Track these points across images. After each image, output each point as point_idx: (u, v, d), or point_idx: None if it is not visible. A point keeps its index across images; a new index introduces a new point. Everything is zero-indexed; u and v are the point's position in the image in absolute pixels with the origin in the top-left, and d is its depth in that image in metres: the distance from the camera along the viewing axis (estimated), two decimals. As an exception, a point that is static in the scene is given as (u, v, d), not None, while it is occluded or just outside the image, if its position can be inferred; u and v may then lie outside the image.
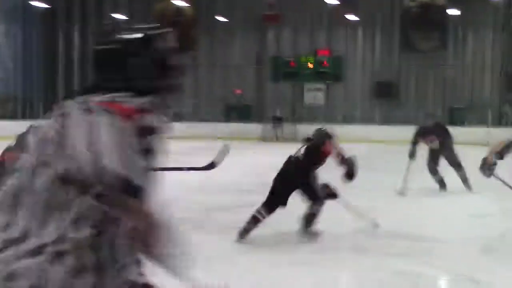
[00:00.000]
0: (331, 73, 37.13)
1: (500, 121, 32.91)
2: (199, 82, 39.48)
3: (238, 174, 14.53)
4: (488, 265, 6.22)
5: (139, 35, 2.20)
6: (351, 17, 35.28)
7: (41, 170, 2.05)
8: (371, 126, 34.44)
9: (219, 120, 36.92)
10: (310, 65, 37.32)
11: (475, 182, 13.22)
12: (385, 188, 12.54)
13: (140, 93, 2.09)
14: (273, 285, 5.39)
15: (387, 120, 35.26)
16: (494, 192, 10.00)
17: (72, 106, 2.07)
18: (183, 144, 23.16)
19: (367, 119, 36.25)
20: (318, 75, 37.20)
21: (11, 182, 2.10)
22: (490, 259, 6.49)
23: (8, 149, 2.52)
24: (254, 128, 34.05)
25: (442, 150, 12.31)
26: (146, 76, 2.16)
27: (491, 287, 5.42)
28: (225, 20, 37.54)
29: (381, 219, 8.76)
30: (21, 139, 2.28)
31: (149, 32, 2.24)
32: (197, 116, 37.82)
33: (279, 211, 7.29)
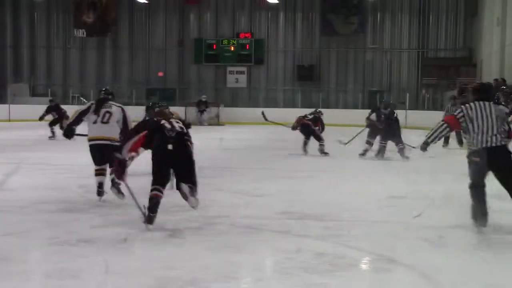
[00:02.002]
0: (253, 56, 37.22)
1: (417, 104, 33.68)
2: (121, 65, 38.93)
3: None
4: (408, 246, 6.36)
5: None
6: (272, 0, 35.36)
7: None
8: (292, 109, 34.71)
9: (141, 104, 36.40)
10: (232, 48, 37.32)
11: (393, 166, 13.61)
12: (302, 170, 12.70)
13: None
14: (193, 269, 5.37)
15: (308, 103, 35.54)
16: (410, 174, 10.28)
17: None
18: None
19: (288, 103, 36.52)
20: (240, 58, 37.27)
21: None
22: (409, 240, 6.64)
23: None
24: (177, 111, 33.76)
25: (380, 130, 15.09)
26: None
27: (410, 268, 5.54)
28: (145, 1, 37.03)
29: (297, 201, 8.89)
30: None
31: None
32: (119, 100, 37.21)
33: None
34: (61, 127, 19.89)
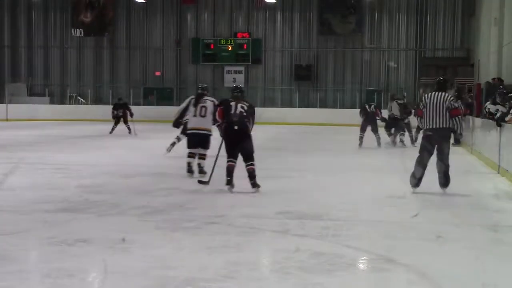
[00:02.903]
0: (250, 55, 37.22)
1: (414, 103, 33.64)
2: (118, 65, 38.90)
3: (160, 157, 14.44)
4: (406, 246, 6.37)
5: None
6: (270, 0, 35.35)
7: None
8: (290, 109, 34.77)
9: (138, 103, 36.49)
10: (230, 48, 37.33)
11: (391, 166, 13.63)
12: (301, 169, 12.70)
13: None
14: (191, 269, 5.37)
15: (306, 103, 35.61)
16: (408, 174, 10.26)
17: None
18: (108, 127, 22.78)
19: (286, 102, 36.53)
20: (238, 57, 37.27)
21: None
22: (407, 240, 6.64)
23: None
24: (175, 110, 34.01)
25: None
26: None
27: (409, 268, 5.54)
28: (143, 1, 37.01)
29: (296, 201, 8.89)
30: None
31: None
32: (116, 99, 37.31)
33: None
34: (125, 122, 22.87)
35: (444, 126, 9.37)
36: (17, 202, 8.49)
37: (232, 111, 9.65)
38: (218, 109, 10.05)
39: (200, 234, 6.73)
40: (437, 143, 9.42)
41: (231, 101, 9.82)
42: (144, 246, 6.14)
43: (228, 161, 9.65)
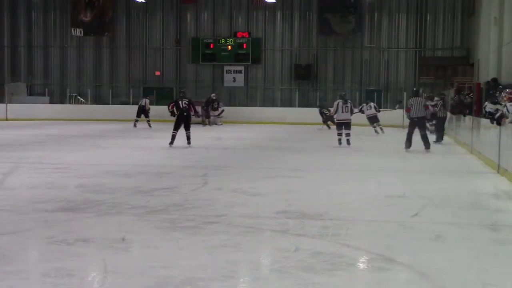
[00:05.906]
0: (250, 55, 37.18)
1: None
2: (118, 65, 38.88)
3: (160, 157, 14.42)
4: (405, 245, 6.37)
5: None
6: (270, -1, 35.30)
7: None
8: (290, 108, 34.75)
9: (138, 103, 36.35)
10: (229, 47, 37.30)
11: (391, 166, 13.63)
12: (301, 169, 12.69)
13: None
14: (191, 268, 5.37)
15: (305, 102, 35.58)
16: (407, 174, 10.31)
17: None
18: (108, 127, 22.76)
19: (286, 102, 36.50)
20: (237, 57, 37.24)
21: None
22: (407, 239, 6.64)
23: None
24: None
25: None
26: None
27: (408, 267, 5.54)
28: (142, 0, 36.98)
29: (295, 200, 8.89)
30: None
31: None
32: (117, 99, 37.30)
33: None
34: None
35: (421, 115, 16.69)
36: (17, 201, 8.48)
37: (181, 106, 17.15)
38: (171, 104, 17.36)
39: (200, 234, 6.72)
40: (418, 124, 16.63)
41: (178, 100, 17.50)
42: (144, 245, 6.15)
43: (173, 132, 17.13)
